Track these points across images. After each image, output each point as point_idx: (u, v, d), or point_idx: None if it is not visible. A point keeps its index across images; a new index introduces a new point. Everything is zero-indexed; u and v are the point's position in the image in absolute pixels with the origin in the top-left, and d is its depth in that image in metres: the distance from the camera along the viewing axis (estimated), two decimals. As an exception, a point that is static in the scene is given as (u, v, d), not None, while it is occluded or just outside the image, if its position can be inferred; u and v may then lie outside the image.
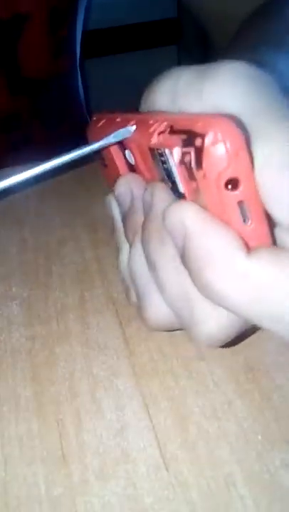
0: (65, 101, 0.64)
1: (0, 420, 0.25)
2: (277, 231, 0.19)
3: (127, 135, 0.21)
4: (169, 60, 1.47)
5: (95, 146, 0.21)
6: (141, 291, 0.22)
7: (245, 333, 0.21)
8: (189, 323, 0.20)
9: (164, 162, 0.19)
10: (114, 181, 0.24)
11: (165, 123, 0.19)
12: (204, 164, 0.16)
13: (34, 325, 0.30)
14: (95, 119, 0.25)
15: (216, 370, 0.26)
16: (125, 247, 0.24)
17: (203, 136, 0.16)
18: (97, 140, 0.23)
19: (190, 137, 0.17)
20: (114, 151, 0.24)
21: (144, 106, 0.22)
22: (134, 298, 0.24)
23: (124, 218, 0.24)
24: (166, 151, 0.18)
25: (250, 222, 0.17)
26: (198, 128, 0.17)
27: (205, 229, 0.18)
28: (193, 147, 0.17)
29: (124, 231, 0.24)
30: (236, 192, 0.17)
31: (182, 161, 0.18)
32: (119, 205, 0.24)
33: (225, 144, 0.16)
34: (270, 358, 0.27)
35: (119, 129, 0.21)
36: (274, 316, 0.18)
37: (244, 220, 0.17)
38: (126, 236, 0.24)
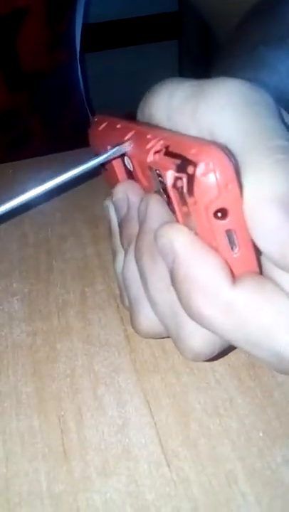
0: (65, 95, 0.63)
1: (1, 416, 0.25)
2: (263, 259, 0.19)
3: (125, 151, 0.21)
4: (170, 55, 1.47)
5: (94, 162, 0.21)
6: (132, 299, 0.23)
7: (230, 348, 0.21)
8: (175, 337, 0.21)
9: (159, 176, 0.19)
10: (113, 185, 0.24)
11: (161, 142, 0.19)
12: (195, 192, 0.17)
13: (35, 321, 0.30)
14: (96, 120, 0.25)
15: (218, 367, 0.26)
16: (121, 252, 0.25)
17: (195, 165, 0.16)
18: (96, 145, 0.24)
19: (183, 163, 0.17)
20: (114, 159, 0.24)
21: (140, 116, 0.22)
22: (127, 302, 0.24)
23: (121, 225, 0.24)
24: (161, 171, 0.19)
25: (237, 249, 0.18)
26: (191, 155, 0.17)
27: (193, 255, 0.18)
28: (186, 174, 0.17)
29: (120, 237, 0.24)
30: (225, 221, 0.17)
31: (175, 185, 0.18)
32: (117, 210, 0.24)
33: (216, 174, 0.16)
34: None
35: (118, 139, 0.22)
36: (257, 344, 0.18)
37: (232, 248, 0.18)
38: (121, 242, 0.24)
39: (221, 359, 0.27)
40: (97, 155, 0.21)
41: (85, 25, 0.62)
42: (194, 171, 0.16)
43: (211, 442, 0.23)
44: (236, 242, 0.18)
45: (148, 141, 0.20)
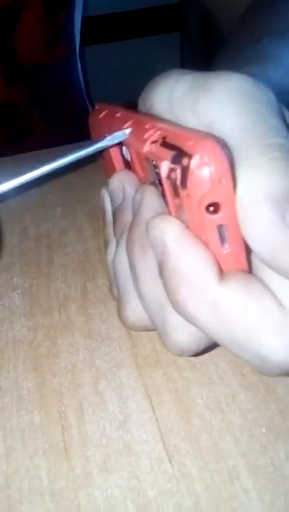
0: (65, 89, 0.63)
1: (2, 412, 0.25)
2: (253, 256, 0.19)
3: (122, 138, 0.21)
4: (171, 48, 1.46)
5: (91, 149, 0.21)
6: (121, 290, 0.23)
7: (216, 344, 0.21)
8: (161, 330, 0.21)
9: (155, 167, 0.19)
10: (110, 174, 0.24)
11: (159, 132, 0.19)
12: (188, 185, 0.17)
13: (36, 315, 0.30)
14: (97, 108, 0.25)
15: (220, 362, 0.26)
16: (113, 241, 0.24)
17: (190, 157, 0.16)
18: (96, 132, 0.23)
19: (178, 155, 0.17)
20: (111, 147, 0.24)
21: (142, 106, 0.22)
22: (115, 293, 0.24)
23: (114, 215, 0.24)
24: (157, 162, 0.19)
25: (227, 245, 0.18)
26: (187, 147, 0.17)
27: (183, 248, 0.18)
28: (180, 165, 0.17)
29: (113, 227, 0.24)
30: (216, 216, 0.17)
31: (169, 176, 0.18)
32: (112, 200, 0.24)
33: (210, 168, 0.16)
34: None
35: (117, 127, 0.21)
36: (241, 344, 0.18)
37: (222, 243, 0.18)
38: (114, 232, 0.24)
39: (224, 354, 0.26)
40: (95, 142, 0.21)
41: (84, 18, 0.61)
42: (189, 163, 0.16)
43: (213, 438, 0.23)
44: (227, 238, 0.17)
45: (146, 131, 0.20)
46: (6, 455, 0.23)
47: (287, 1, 0.33)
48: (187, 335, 0.20)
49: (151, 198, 0.20)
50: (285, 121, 0.19)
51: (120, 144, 0.23)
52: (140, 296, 0.21)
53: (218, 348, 0.27)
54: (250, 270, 0.19)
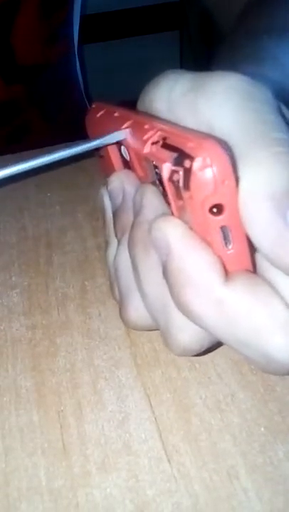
0: (64, 88, 0.63)
1: (0, 411, 0.25)
2: (258, 256, 0.19)
3: (121, 138, 0.21)
4: (171, 46, 1.45)
5: (89, 145, 0.21)
6: (123, 290, 0.23)
7: (218, 344, 0.21)
8: (164, 331, 0.21)
9: (156, 167, 0.19)
10: (109, 174, 0.24)
11: (159, 133, 0.19)
12: (191, 187, 0.17)
13: (35, 314, 0.30)
14: (94, 107, 0.25)
15: (219, 361, 0.26)
16: (114, 241, 0.24)
17: (192, 159, 0.16)
18: (93, 132, 0.23)
19: (180, 156, 0.17)
20: (110, 146, 0.24)
21: (141, 106, 0.22)
22: (117, 294, 0.24)
23: (115, 215, 0.24)
24: (157, 163, 0.18)
25: (231, 246, 0.18)
26: (188, 149, 0.17)
27: (187, 249, 0.18)
28: (183, 167, 0.17)
29: (114, 226, 0.24)
30: (220, 217, 0.17)
31: (171, 178, 0.18)
32: (112, 200, 0.24)
33: (213, 170, 0.16)
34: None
35: (115, 127, 0.21)
36: (246, 344, 0.18)
37: (226, 244, 0.18)
38: (115, 232, 0.24)
39: (223, 353, 0.26)
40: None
41: (83, 17, 0.61)
42: (191, 165, 0.16)
43: (212, 437, 0.23)
44: (231, 238, 0.17)
45: (146, 131, 0.20)
46: (4, 454, 0.23)
47: (286, 0, 0.33)
48: (190, 335, 0.20)
49: (152, 198, 0.20)
50: (284, 117, 0.19)
51: (119, 144, 0.22)
52: (143, 296, 0.21)
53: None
54: (254, 270, 0.19)
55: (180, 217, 0.19)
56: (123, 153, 0.23)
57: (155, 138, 0.19)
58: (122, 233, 0.23)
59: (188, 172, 0.16)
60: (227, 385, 0.25)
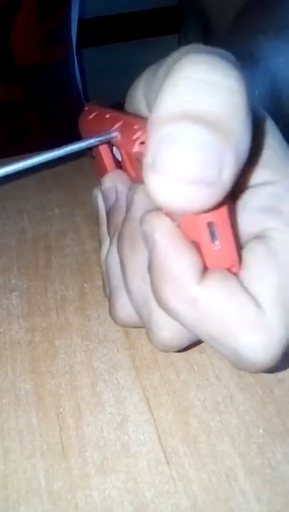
0: (62, 90, 0.63)
1: (-1, 413, 0.25)
2: (244, 253, 0.19)
3: (111, 138, 0.22)
4: (169, 50, 1.46)
5: (79, 145, 0.21)
6: (112, 288, 0.23)
7: (199, 341, 0.22)
8: (147, 327, 0.21)
9: None
10: (102, 175, 0.25)
11: (147, 133, 0.19)
12: None
13: (34, 317, 0.30)
14: (87, 109, 0.26)
15: (218, 363, 0.26)
16: (107, 241, 0.25)
17: None
18: (86, 133, 0.24)
19: None
20: (102, 147, 0.25)
21: (127, 106, 0.22)
22: (108, 291, 0.24)
23: (108, 214, 0.24)
24: None
25: (217, 242, 0.18)
26: None
27: (170, 247, 0.18)
28: None
29: (107, 226, 0.25)
30: (206, 214, 0.17)
31: None
32: (105, 200, 0.25)
33: None
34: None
35: (106, 128, 0.22)
36: (218, 340, 0.18)
37: (212, 240, 0.18)
38: (108, 231, 0.24)
39: (221, 355, 0.26)
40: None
41: (82, 21, 0.61)
42: None
43: (210, 439, 0.23)
44: (217, 235, 0.18)
45: (135, 131, 0.20)
46: (3, 456, 0.23)
47: (281, 1, 0.33)
48: (170, 332, 0.20)
49: (142, 197, 0.21)
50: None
51: (110, 145, 0.23)
52: (128, 292, 0.22)
53: (215, 350, 0.27)
54: (240, 266, 0.19)
55: (168, 216, 0.19)
56: (115, 153, 0.23)
57: (143, 138, 0.20)
58: (114, 232, 0.23)
59: None
60: (226, 387, 0.25)
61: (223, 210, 0.17)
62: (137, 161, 0.21)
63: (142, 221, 0.20)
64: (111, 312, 0.23)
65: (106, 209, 0.25)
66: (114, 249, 0.23)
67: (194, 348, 0.27)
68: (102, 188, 0.24)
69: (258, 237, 0.19)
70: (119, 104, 0.25)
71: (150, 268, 0.19)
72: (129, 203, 0.22)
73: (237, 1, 0.38)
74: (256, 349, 0.18)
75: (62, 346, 0.28)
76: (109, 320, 0.29)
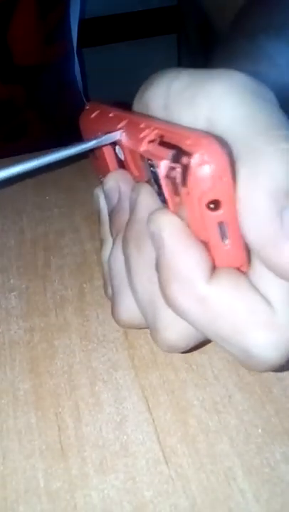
0: (62, 89, 0.63)
1: (-2, 413, 0.25)
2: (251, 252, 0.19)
3: (117, 138, 0.21)
4: (169, 50, 1.46)
5: (84, 146, 0.21)
6: (116, 288, 0.23)
7: (206, 341, 0.21)
8: (152, 327, 0.21)
9: (151, 166, 0.19)
10: (104, 174, 0.24)
11: (156, 131, 0.19)
12: (189, 183, 0.17)
13: (33, 317, 0.30)
14: (88, 108, 0.25)
15: (217, 363, 0.26)
16: (109, 241, 0.25)
17: (190, 156, 0.16)
18: (88, 133, 0.23)
19: (178, 153, 0.17)
20: (105, 146, 0.24)
21: (137, 105, 0.22)
22: (110, 292, 0.24)
23: (111, 214, 0.24)
24: (154, 161, 0.19)
25: (227, 241, 0.18)
26: (186, 146, 0.17)
27: (178, 245, 0.18)
28: (180, 164, 0.17)
29: (109, 226, 0.24)
30: (217, 213, 0.17)
31: (168, 175, 0.18)
32: (107, 200, 0.24)
33: (210, 166, 0.16)
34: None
35: (110, 127, 0.21)
36: (227, 339, 0.18)
37: (222, 240, 0.18)
38: (110, 232, 0.24)
39: (220, 355, 0.26)
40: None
41: (82, 20, 0.61)
42: (189, 162, 0.16)
43: (209, 439, 0.23)
44: (227, 234, 0.18)
45: (141, 130, 0.20)
46: (2, 456, 0.23)
47: (281, 1, 0.33)
48: (177, 332, 0.20)
49: (146, 196, 0.21)
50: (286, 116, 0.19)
51: (113, 144, 0.23)
52: (133, 292, 0.21)
53: (214, 350, 0.27)
54: (249, 265, 0.19)
55: (177, 215, 0.19)
56: (118, 153, 0.23)
57: (152, 136, 0.19)
58: (118, 232, 0.23)
59: (185, 168, 0.17)
60: (224, 386, 0.25)
61: (234, 210, 0.17)
62: (142, 160, 0.20)
63: (149, 220, 0.19)
64: (114, 313, 0.23)
65: (108, 209, 0.25)
66: (117, 249, 0.23)
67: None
68: (105, 187, 0.24)
69: None
70: (119, 104, 0.24)
71: (158, 267, 0.19)
72: (134, 203, 0.21)
73: (237, 1, 0.39)
74: (267, 347, 0.18)
75: (61, 346, 0.28)
76: (108, 320, 0.29)
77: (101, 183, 0.25)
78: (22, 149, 0.46)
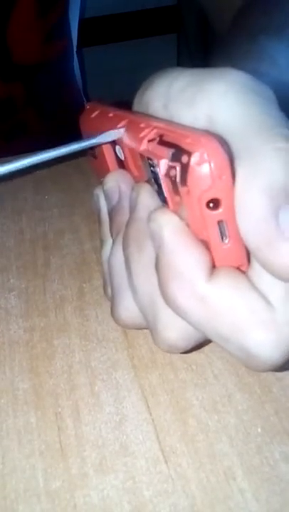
0: (62, 87, 0.63)
1: (-2, 413, 0.25)
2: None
3: (117, 137, 0.21)
4: (168, 49, 1.46)
5: (85, 144, 0.21)
6: (116, 288, 0.23)
7: (206, 341, 0.21)
8: (152, 327, 0.21)
9: (151, 165, 0.19)
10: (103, 174, 0.24)
11: (155, 130, 0.19)
12: (188, 182, 0.17)
13: (32, 317, 0.30)
14: (88, 108, 0.25)
15: (216, 363, 0.26)
16: (109, 241, 0.25)
17: (190, 154, 0.16)
18: (88, 133, 0.23)
19: (177, 152, 0.17)
20: (105, 146, 0.24)
21: (137, 105, 0.22)
22: (110, 292, 0.24)
23: (111, 214, 0.24)
24: (154, 160, 0.19)
25: (227, 240, 0.18)
26: (186, 145, 0.17)
27: (178, 244, 0.18)
28: (180, 163, 0.17)
29: (109, 226, 0.24)
30: (217, 212, 0.17)
31: (168, 174, 0.18)
32: (107, 199, 0.24)
33: (210, 165, 0.16)
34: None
35: (110, 127, 0.21)
36: (227, 339, 0.18)
37: (222, 239, 0.18)
38: (110, 231, 0.24)
39: (220, 354, 0.26)
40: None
41: (82, 19, 0.61)
42: (189, 161, 0.16)
43: (209, 438, 0.23)
44: (227, 233, 0.18)
45: (141, 129, 0.20)
46: (2, 456, 0.23)
47: (281, 1, 0.33)
48: (177, 332, 0.20)
49: (146, 196, 0.21)
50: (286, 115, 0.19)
51: (113, 144, 0.23)
52: (133, 292, 0.21)
53: (213, 349, 0.27)
54: (249, 264, 0.19)
55: (176, 214, 0.19)
56: (118, 153, 0.23)
57: (151, 135, 0.19)
58: (118, 232, 0.23)
59: (185, 167, 0.17)
60: (224, 386, 0.25)
61: (234, 208, 0.17)
62: (142, 159, 0.20)
63: (149, 219, 0.19)
64: (113, 312, 0.23)
65: (108, 209, 0.25)
66: (117, 249, 0.23)
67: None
68: (105, 187, 0.24)
69: None
70: (118, 104, 0.24)
71: (158, 266, 0.19)
72: (134, 202, 0.21)
73: (237, 1, 0.39)
74: (267, 346, 0.18)
75: (60, 346, 0.28)
76: (108, 320, 0.29)
77: (101, 183, 0.25)
78: (21, 148, 0.46)
